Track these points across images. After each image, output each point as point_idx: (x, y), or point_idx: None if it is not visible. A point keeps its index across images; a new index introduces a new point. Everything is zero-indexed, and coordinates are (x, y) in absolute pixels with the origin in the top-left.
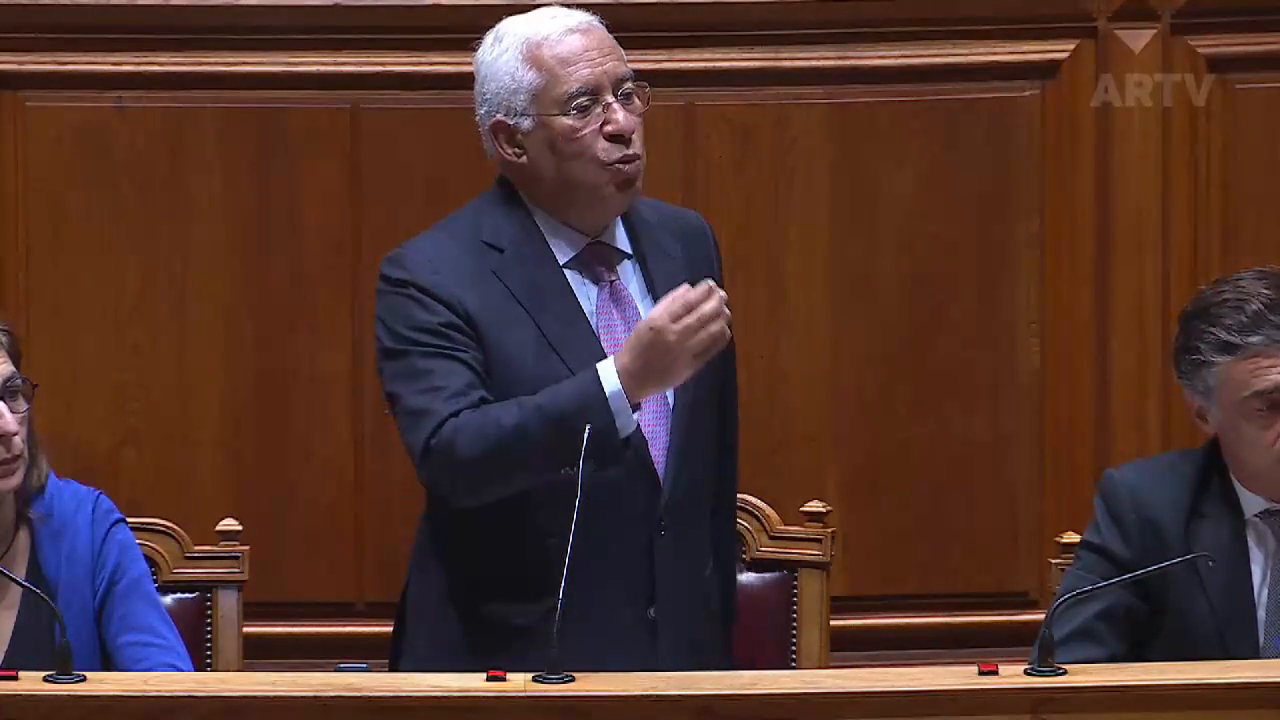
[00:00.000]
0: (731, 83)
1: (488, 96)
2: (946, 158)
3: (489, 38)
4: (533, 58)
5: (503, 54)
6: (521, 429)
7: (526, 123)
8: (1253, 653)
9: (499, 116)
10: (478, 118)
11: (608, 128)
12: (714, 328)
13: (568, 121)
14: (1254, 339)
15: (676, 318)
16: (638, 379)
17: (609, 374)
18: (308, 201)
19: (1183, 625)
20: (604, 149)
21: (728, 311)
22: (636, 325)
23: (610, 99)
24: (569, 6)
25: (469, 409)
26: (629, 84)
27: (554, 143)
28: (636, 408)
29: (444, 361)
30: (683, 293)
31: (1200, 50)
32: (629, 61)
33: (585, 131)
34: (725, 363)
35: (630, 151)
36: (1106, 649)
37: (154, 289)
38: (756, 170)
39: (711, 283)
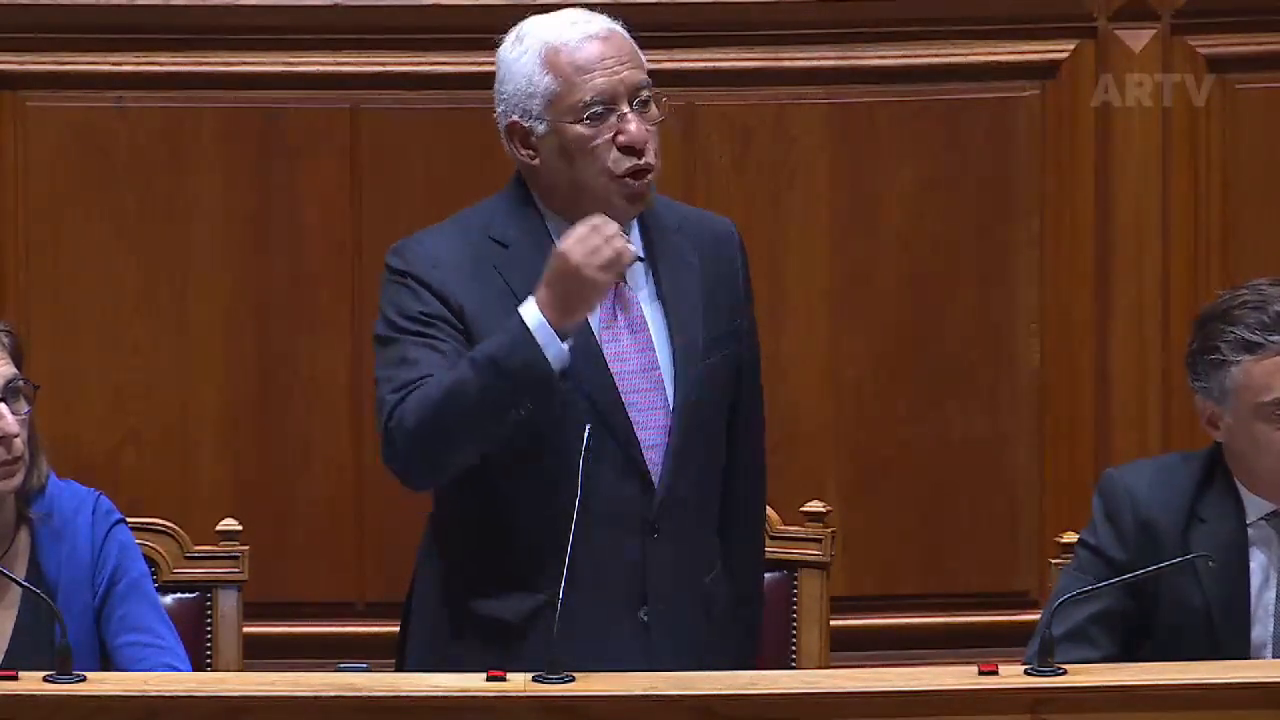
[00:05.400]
0: (731, 83)
1: (505, 96)
2: (946, 158)
3: (511, 35)
4: (550, 63)
5: (522, 55)
6: (457, 383)
7: (541, 127)
8: (1244, 656)
9: (514, 118)
10: (495, 115)
11: (620, 138)
12: (616, 243)
13: (581, 130)
14: (1276, 338)
15: (580, 238)
16: (557, 307)
17: (529, 309)
18: (308, 201)
19: (1177, 625)
20: (615, 159)
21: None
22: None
23: (625, 109)
24: (580, 6)
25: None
26: (645, 92)
27: (566, 149)
28: (564, 336)
29: (424, 351)
30: (588, 220)
31: (1200, 50)
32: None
33: (598, 141)
34: (742, 373)
35: (642, 163)
36: (1100, 651)
37: (154, 289)
38: (756, 170)
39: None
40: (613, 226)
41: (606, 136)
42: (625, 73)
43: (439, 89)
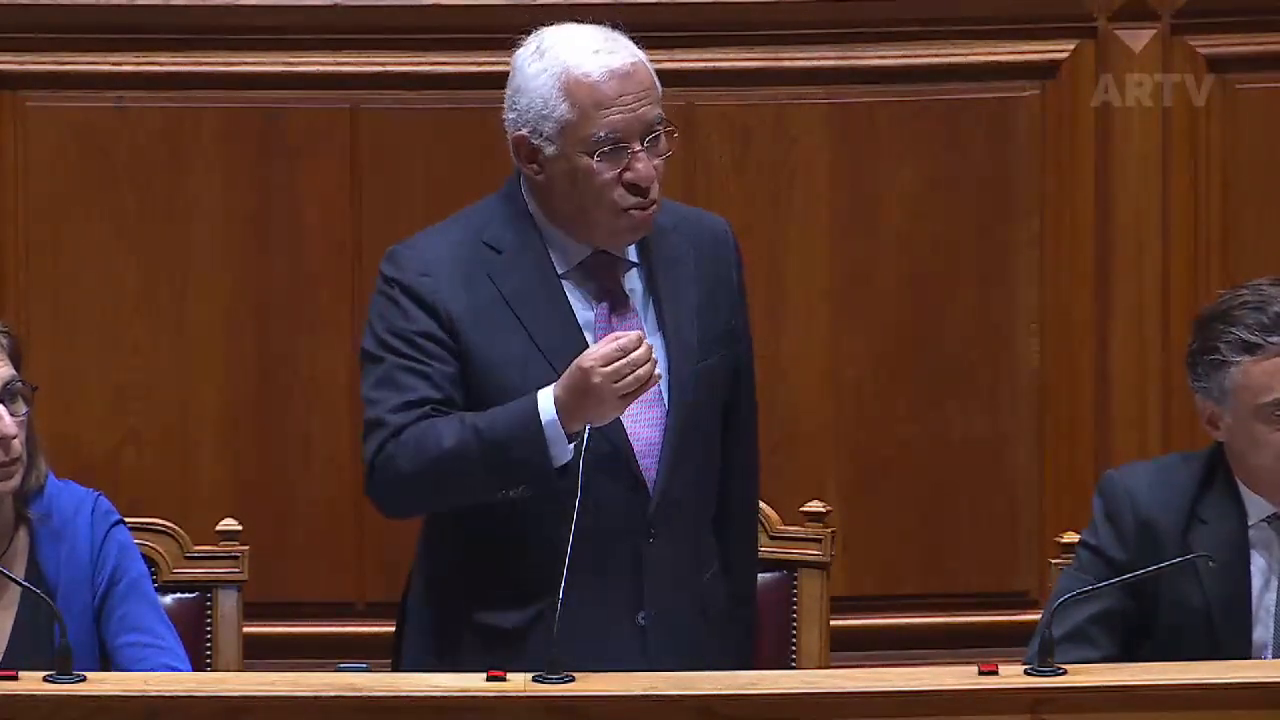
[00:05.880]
0: (731, 83)
1: (518, 108)
2: (946, 158)
3: (531, 45)
4: (569, 91)
5: (541, 74)
6: (459, 451)
7: (550, 149)
8: (1245, 657)
9: (524, 132)
10: (505, 120)
11: (628, 175)
12: (641, 372)
13: (591, 163)
14: (1275, 339)
15: (607, 361)
16: (569, 412)
17: (546, 404)
18: (308, 201)
19: (1177, 625)
20: (620, 195)
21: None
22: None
23: (637, 147)
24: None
25: (418, 420)
26: (659, 127)
27: (573, 177)
28: (573, 437)
29: (410, 376)
30: (615, 337)
31: (1200, 50)
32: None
33: (606, 176)
34: (738, 376)
35: (646, 200)
36: (1100, 652)
37: (154, 289)
38: (756, 170)
39: (642, 333)
40: (642, 349)
41: (614, 172)
42: (642, 109)
43: (439, 89)
